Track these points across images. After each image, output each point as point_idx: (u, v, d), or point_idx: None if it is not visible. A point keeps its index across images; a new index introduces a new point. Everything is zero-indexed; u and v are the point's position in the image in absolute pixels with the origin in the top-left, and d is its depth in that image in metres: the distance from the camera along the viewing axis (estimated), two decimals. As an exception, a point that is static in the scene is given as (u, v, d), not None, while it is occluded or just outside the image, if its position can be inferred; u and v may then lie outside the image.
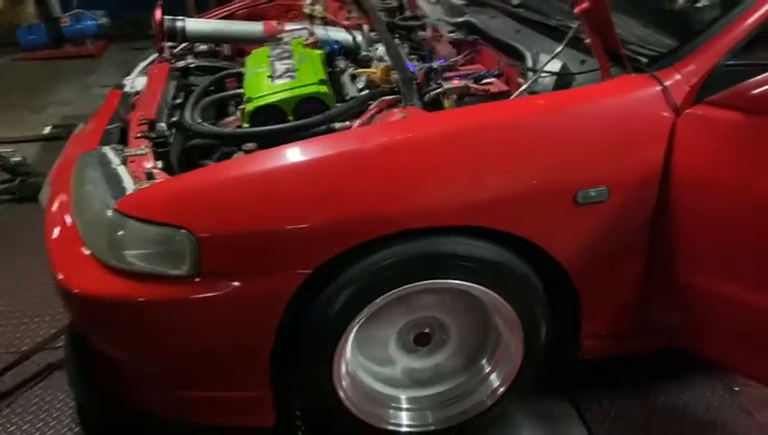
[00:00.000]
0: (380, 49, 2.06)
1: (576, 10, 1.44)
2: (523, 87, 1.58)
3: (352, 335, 1.55)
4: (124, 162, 1.67)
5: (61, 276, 1.53)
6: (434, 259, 1.47)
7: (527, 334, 1.59)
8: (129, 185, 1.55)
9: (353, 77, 1.92)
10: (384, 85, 1.80)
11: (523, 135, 1.47)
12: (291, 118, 1.75)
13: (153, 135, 1.77)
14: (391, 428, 1.68)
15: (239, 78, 2.05)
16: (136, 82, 2.28)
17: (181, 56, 2.34)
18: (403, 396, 1.71)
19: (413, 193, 1.43)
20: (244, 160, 1.50)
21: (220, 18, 2.60)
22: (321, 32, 2.24)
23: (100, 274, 1.51)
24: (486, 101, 1.66)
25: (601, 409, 1.85)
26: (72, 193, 1.67)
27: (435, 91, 1.69)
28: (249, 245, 1.42)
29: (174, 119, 1.88)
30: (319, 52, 2.04)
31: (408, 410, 1.70)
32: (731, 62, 1.48)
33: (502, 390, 1.67)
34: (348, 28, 2.29)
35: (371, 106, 1.71)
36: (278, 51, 2.07)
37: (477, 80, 1.75)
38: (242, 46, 2.46)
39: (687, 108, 1.46)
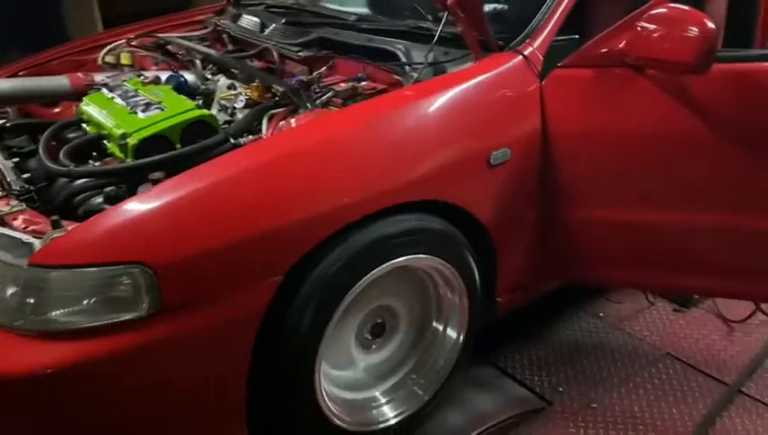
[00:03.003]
0: (221, 81, 2.05)
1: (449, 2, 1.65)
2: (417, 76, 1.72)
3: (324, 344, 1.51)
4: (1, 223, 1.42)
5: None
6: (385, 240, 1.52)
7: (467, 283, 1.72)
8: (32, 239, 1.33)
9: (226, 100, 1.88)
10: (264, 101, 1.81)
11: (434, 113, 1.61)
12: (178, 145, 1.66)
13: (15, 191, 1.54)
14: (382, 426, 1.67)
15: (75, 127, 1.86)
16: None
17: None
18: (377, 392, 1.71)
19: (353, 183, 1.47)
20: (176, 183, 1.38)
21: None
22: (151, 73, 2.13)
23: (12, 349, 1.27)
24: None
25: (516, 359, 2.05)
26: None
27: (326, 96, 1.75)
28: (208, 265, 1.32)
29: (24, 175, 1.65)
30: (168, 87, 1.95)
31: (388, 401, 1.70)
32: (557, 39, 1.82)
33: (461, 338, 1.78)
34: (174, 68, 2.21)
35: (274, 116, 1.70)
36: (118, 92, 1.92)
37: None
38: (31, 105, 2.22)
39: (546, 73, 1.75)
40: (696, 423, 1.81)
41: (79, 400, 1.32)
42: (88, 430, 1.36)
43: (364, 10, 2.36)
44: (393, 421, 1.69)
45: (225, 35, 2.37)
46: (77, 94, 2.13)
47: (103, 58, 2.40)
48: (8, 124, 1.96)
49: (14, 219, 1.43)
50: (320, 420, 1.56)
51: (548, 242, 1.88)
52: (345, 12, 2.19)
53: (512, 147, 1.68)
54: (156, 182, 1.49)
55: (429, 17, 1.94)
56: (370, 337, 1.70)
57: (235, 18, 2.46)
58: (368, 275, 1.52)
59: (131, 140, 1.62)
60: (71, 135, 1.85)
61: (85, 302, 1.28)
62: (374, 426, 1.67)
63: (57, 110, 2.22)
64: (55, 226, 1.35)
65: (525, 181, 1.76)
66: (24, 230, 1.39)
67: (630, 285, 2.16)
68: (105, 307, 1.29)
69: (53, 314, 1.28)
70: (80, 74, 2.21)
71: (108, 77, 2.15)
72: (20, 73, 2.39)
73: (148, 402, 1.37)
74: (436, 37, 1.75)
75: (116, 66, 2.38)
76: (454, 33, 1.78)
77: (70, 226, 1.35)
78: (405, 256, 1.58)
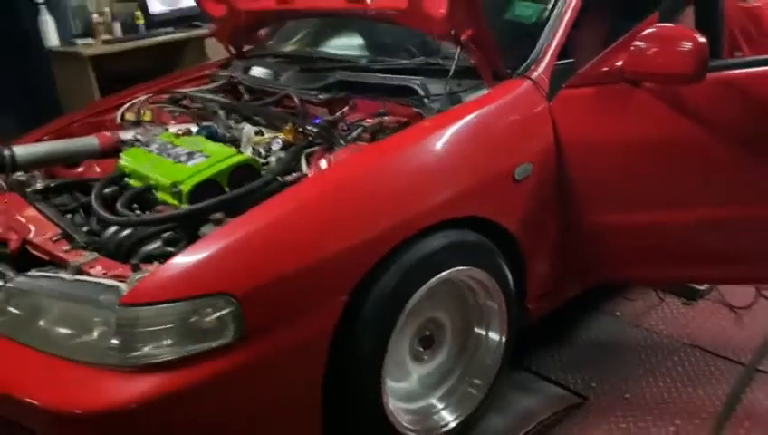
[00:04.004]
0: (246, 128, 2.18)
1: (463, 37, 1.83)
2: (439, 106, 1.88)
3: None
4: (79, 272, 1.53)
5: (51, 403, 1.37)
6: (432, 256, 1.66)
7: (503, 289, 1.85)
8: (116, 283, 1.44)
9: (260, 145, 2.01)
10: (298, 142, 1.95)
11: (462, 138, 1.77)
12: (226, 189, 1.78)
13: (82, 243, 1.65)
14: (444, 430, 1.79)
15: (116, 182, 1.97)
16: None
17: (21, 183, 2.12)
18: (433, 400, 1.83)
19: (400, 205, 1.62)
20: (247, 219, 1.50)
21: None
22: (180, 126, 2.26)
23: (108, 385, 1.38)
24: (398, 131, 1.91)
25: (547, 362, 2.18)
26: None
27: (356, 132, 1.90)
28: (283, 290, 1.45)
29: (85, 228, 1.76)
30: (201, 136, 2.08)
31: (445, 407, 1.82)
32: (557, 63, 2.01)
33: (504, 339, 1.91)
34: (197, 121, 2.33)
35: (311, 154, 1.85)
36: (155, 146, 2.04)
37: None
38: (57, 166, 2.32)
39: (553, 94, 1.93)
40: (722, 403, 1.95)
41: (172, 428, 1.42)
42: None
43: (365, 52, 2.52)
44: (453, 424, 1.81)
45: (240, 86, 2.51)
46: (105, 153, 2.25)
47: (122, 116, 2.52)
48: (52, 184, 2.06)
49: (92, 268, 1.54)
50: (390, 430, 1.66)
51: (569, 248, 2.03)
52: (355, 56, 2.36)
53: (533, 162, 1.85)
54: (218, 222, 1.61)
55: (437, 53, 2.11)
56: (422, 349, 1.82)
57: (246, 70, 2.61)
58: (419, 290, 1.65)
59: (184, 187, 1.73)
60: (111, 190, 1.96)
61: (174, 334, 1.39)
62: (438, 431, 1.79)
63: (80, 169, 2.32)
64: (136, 269, 1.46)
65: (546, 193, 1.91)
66: (105, 276, 1.50)
67: (645, 281, 2.33)
68: (193, 338, 1.39)
69: (145, 349, 1.39)
70: (107, 133, 2.33)
71: (137, 133, 2.26)
72: (45, 138, 2.49)
73: (234, 425, 1.47)
74: (452, 70, 1.92)
75: (138, 123, 2.50)
76: (464, 65, 1.95)
77: (146, 268, 1.47)
78: (449, 269, 1.71)
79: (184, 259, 1.43)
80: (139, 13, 4.48)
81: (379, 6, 2.07)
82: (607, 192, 1.97)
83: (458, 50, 1.91)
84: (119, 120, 2.53)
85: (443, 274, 1.70)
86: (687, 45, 1.68)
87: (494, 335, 1.90)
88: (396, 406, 1.72)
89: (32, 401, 1.41)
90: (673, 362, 2.14)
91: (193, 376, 1.39)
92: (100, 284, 1.47)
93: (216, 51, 4.50)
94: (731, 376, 2.05)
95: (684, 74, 1.70)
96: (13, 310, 1.56)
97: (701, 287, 2.44)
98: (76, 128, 2.55)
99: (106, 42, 4.27)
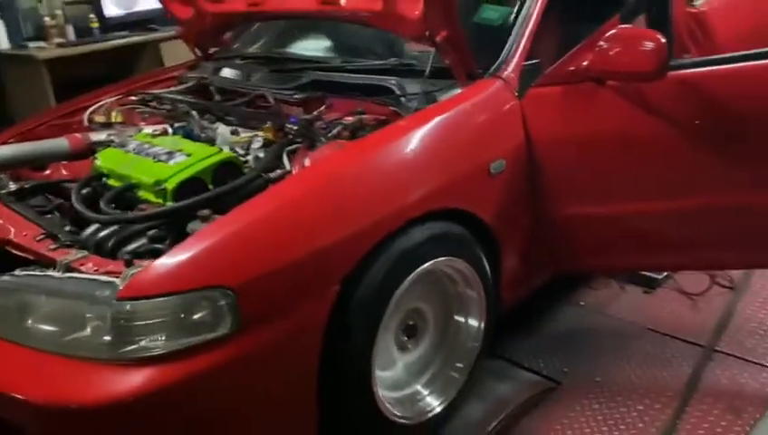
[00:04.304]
0: (220, 128, 2.20)
1: (438, 38, 1.90)
2: (416, 105, 1.94)
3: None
4: (69, 269, 1.54)
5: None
6: (417, 247, 1.72)
7: (481, 278, 1.93)
8: (111, 278, 1.46)
9: (238, 143, 2.03)
10: (278, 140, 1.98)
11: (441, 135, 1.85)
12: (210, 186, 1.80)
13: (68, 241, 1.65)
14: (430, 415, 1.87)
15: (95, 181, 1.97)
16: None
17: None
18: (419, 386, 1.90)
19: (387, 198, 1.69)
20: (238, 214, 1.53)
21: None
22: (154, 127, 2.26)
23: (102, 379, 1.40)
24: (378, 129, 1.97)
25: (519, 349, 2.27)
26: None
27: (335, 129, 1.95)
28: (277, 282, 1.49)
29: (67, 228, 1.76)
30: (178, 136, 2.10)
31: (430, 393, 1.90)
32: (524, 63, 2.11)
33: (482, 325, 1.99)
34: (169, 121, 2.34)
35: (293, 152, 1.88)
36: (132, 146, 2.04)
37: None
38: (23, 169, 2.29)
39: (523, 93, 2.02)
40: (685, 382, 2.08)
41: (168, 419, 1.44)
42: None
43: (335, 53, 2.57)
44: (438, 409, 1.88)
45: (211, 87, 2.52)
46: (76, 155, 2.24)
47: (90, 118, 2.50)
48: (27, 186, 2.04)
49: (82, 264, 1.54)
50: (380, 417, 1.72)
51: (539, 239, 2.12)
52: (327, 56, 2.41)
53: (506, 157, 1.93)
54: (205, 219, 1.63)
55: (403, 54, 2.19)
56: (406, 338, 1.88)
57: (216, 71, 2.63)
58: (406, 280, 1.71)
59: (169, 185, 1.75)
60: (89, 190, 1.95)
61: (170, 327, 1.41)
62: (424, 416, 1.86)
63: (48, 172, 2.30)
64: (129, 264, 1.48)
65: (518, 186, 2.00)
66: (97, 272, 1.51)
67: (609, 270, 2.44)
68: (189, 331, 1.41)
69: (141, 343, 1.40)
70: (77, 135, 2.31)
71: (110, 134, 2.25)
72: (10, 141, 2.45)
73: (230, 416, 1.49)
74: (427, 70, 1.99)
75: (108, 125, 2.48)
76: (437, 66, 2.03)
77: (140, 264, 1.48)
78: (432, 259, 1.77)
79: (179, 253, 1.45)
80: (92, 16, 4.42)
81: (353, 8, 2.13)
82: (574, 185, 2.07)
83: (433, 51, 1.99)
84: (86, 122, 2.51)
85: (426, 264, 1.77)
86: (650, 45, 1.79)
87: (473, 322, 1.98)
88: (384, 395, 1.77)
89: (22, 396, 1.42)
90: (637, 346, 2.26)
91: (189, 368, 1.41)
92: (94, 280, 1.47)
93: (172, 55, 4.50)
94: (691, 357, 2.18)
95: (646, 72, 1.81)
96: (1, 307, 1.55)
97: (659, 276, 2.58)
98: (42, 130, 2.51)
99: (60, 45, 4.20)
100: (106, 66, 4.47)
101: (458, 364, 1.96)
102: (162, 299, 1.40)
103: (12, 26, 4.19)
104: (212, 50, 2.84)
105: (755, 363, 2.13)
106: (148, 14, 4.68)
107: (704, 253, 2.15)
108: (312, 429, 1.62)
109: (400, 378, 1.88)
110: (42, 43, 4.21)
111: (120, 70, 4.49)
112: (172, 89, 2.65)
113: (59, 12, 4.35)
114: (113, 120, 2.48)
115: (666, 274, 2.59)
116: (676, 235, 2.11)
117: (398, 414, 1.78)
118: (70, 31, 4.36)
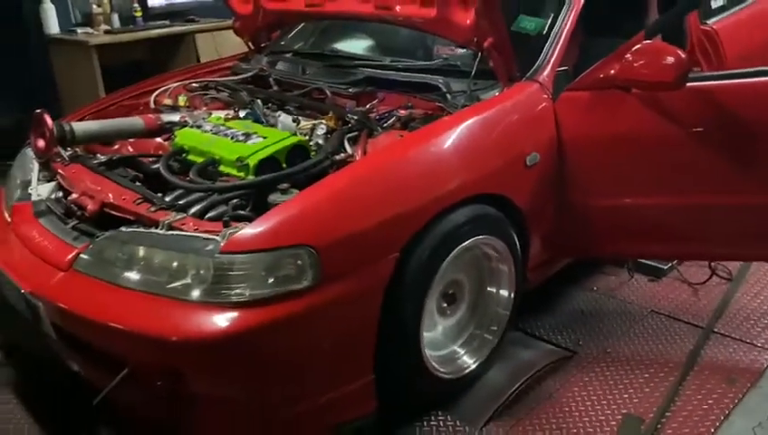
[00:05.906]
0: (282, 116, 2.47)
1: (485, 44, 2.17)
2: (463, 102, 2.22)
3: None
4: (171, 228, 1.80)
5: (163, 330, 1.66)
6: (461, 226, 2.00)
7: (513, 254, 2.21)
8: (212, 236, 1.72)
9: (303, 130, 2.29)
10: (339, 128, 2.25)
11: (486, 129, 2.12)
12: (284, 165, 2.07)
13: (163, 205, 1.91)
14: (467, 371, 2.16)
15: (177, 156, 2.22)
16: (40, 189, 2.26)
17: (77, 156, 2.34)
18: (455, 347, 2.19)
19: (441, 180, 1.97)
20: (319, 187, 1.81)
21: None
22: (222, 112, 2.52)
23: (198, 317, 1.67)
24: (428, 122, 2.23)
25: (538, 325, 2.54)
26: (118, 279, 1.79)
27: (390, 120, 2.23)
28: (353, 245, 1.76)
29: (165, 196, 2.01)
30: (248, 121, 2.37)
31: (466, 352, 2.19)
32: (557, 69, 2.38)
33: (512, 295, 2.26)
34: (235, 108, 2.60)
35: (354, 138, 2.16)
36: (208, 127, 2.31)
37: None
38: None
39: (556, 96, 2.29)
40: (685, 356, 2.35)
41: (255, 356, 1.71)
42: (266, 376, 1.75)
43: (382, 52, 2.85)
44: (473, 366, 2.17)
45: (270, 79, 2.78)
46: (150, 133, 2.50)
47: (156, 101, 2.76)
48: (115, 158, 2.30)
49: (183, 224, 1.81)
50: (425, 370, 2.00)
51: (563, 226, 2.40)
52: (377, 55, 2.68)
53: (540, 151, 2.21)
54: (284, 191, 1.90)
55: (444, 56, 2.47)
56: (446, 305, 2.16)
57: (273, 64, 2.90)
58: (451, 254, 1.99)
59: (251, 161, 2.02)
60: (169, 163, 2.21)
61: (262, 278, 1.68)
62: (461, 372, 2.15)
63: (116, 147, 2.56)
64: (227, 225, 1.74)
65: (549, 178, 2.27)
66: (197, 231, 1.77)
67: (623, 256, 2.72)
68: (277, 281, 1.68)
69: (237, 290, 1.67)
70: (151, 116, 2.57)
71: (183, 116, 2.51)
72: (86, 117, 2.70)
73: (304, 355, 1.76)
74: (473, 72, 2.26)
75: (174, 108, 2.74)
76: (480, 68, 2.29)
77: (236, 226, 1.75)
78: (473, 237, 2.05)
79: (271, 218, 1.72)
80: (136, 5, 4.67)
81: (407, 14, 2.39)
82: (597, 179, 2.34)
83: (478, 54, 2.26)
84: (152, 104, 2.77)
85: (468, 241, 2.04)
86: (671, 59, 2.06)
87: (503, 292, 2.26)
88: (427, 353, 2.04)
89: (131, 329, 1.68)
90: (643, 325, 2.53)
91: (274, 313, 1.67)
92: (197, 237, 1.74)
93: (205, 47, 4.76)
94: (691, 336, 2.45)
95: (667, 83, 2.08)
96: (110, 257, 1.81)
97: (664, 266, 2.86)
98: (112, 111, 2.78)
99: (106, 32, 4.44)
100: (143, 53, 4.74)
101: (492, 327, 2.24)
102: (256, 254, 1.67)
103: (62, 12, 4.43)
104: (263, 44, 3.12)
105: (748, 343, 2.41)
106: (188, 5, 4.95)
107: (710, 245, 2.42)
108: (368, 373, 1.88)
109: (440, 339, 2.16)
110: (89, 29, 4.45)
111: (158, 59, 4.76)
112: (231, 78, 2.91)
113: (106, 0, 4.60)
114: (181, 104, 2.75)
115: (670, 264, 2.87)
116: (685, 228, 2.38)
117: (439, 368, 2.05)
118: (115, 18, 4.61)
